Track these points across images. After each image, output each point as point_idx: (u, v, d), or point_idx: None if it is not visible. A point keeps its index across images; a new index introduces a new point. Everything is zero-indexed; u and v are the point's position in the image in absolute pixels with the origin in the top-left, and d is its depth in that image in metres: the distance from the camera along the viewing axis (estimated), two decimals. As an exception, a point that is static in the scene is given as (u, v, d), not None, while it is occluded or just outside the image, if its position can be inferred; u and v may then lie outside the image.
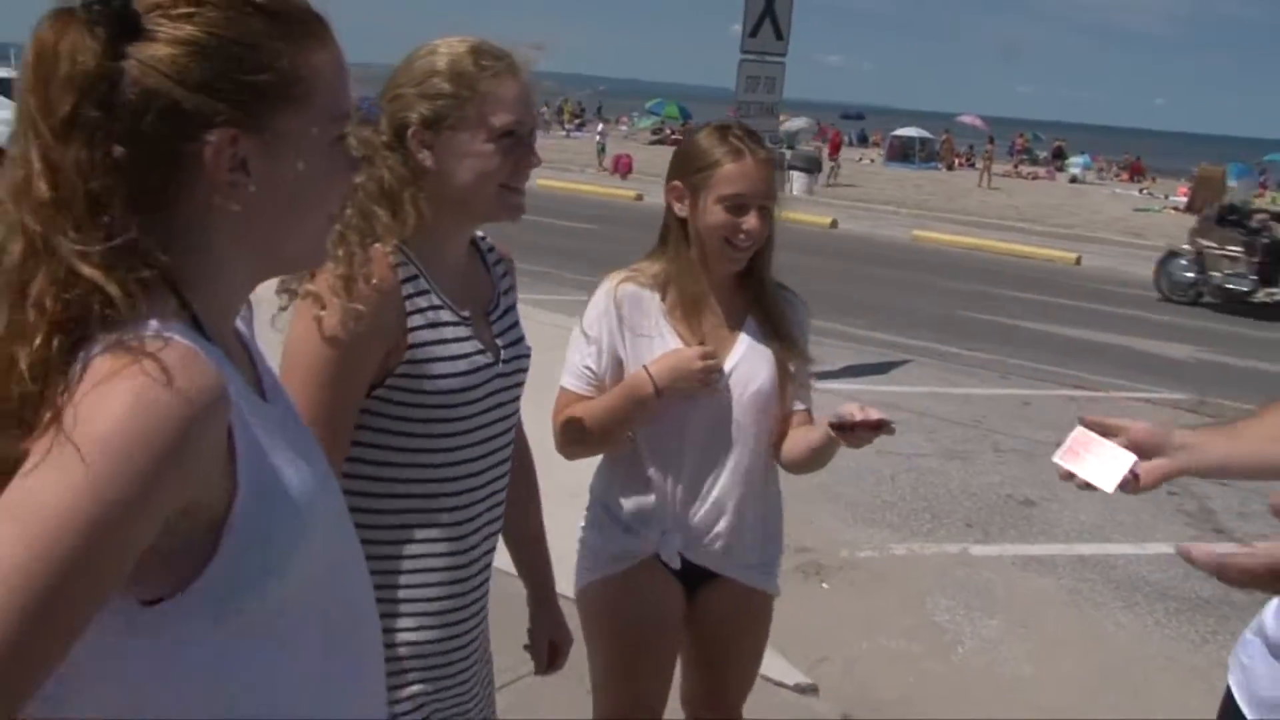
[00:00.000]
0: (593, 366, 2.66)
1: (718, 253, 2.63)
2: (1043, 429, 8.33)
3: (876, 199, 30.03)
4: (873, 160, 47.80)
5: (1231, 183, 38.36)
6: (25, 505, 1.04)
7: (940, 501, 6.84)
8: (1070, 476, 1.98)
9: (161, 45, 1.16)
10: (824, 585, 5.51)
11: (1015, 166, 49.13)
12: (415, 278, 1.99)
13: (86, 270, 1.12)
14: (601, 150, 31.23)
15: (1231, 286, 15.90)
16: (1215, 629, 5.27)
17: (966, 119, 58.41)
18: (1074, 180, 43.78)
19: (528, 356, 2.19)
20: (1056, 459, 2.00)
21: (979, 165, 40.67)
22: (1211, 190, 33.58)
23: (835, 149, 39.08)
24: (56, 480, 1.04)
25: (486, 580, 2.16)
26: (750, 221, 2.58)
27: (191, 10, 1.18)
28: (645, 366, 2.60)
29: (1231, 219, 16.51)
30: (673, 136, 47.89)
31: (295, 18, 1.26)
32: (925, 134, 49.91)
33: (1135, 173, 47.90)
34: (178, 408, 1.08)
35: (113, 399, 1.07)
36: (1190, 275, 16.33)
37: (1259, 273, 15.81)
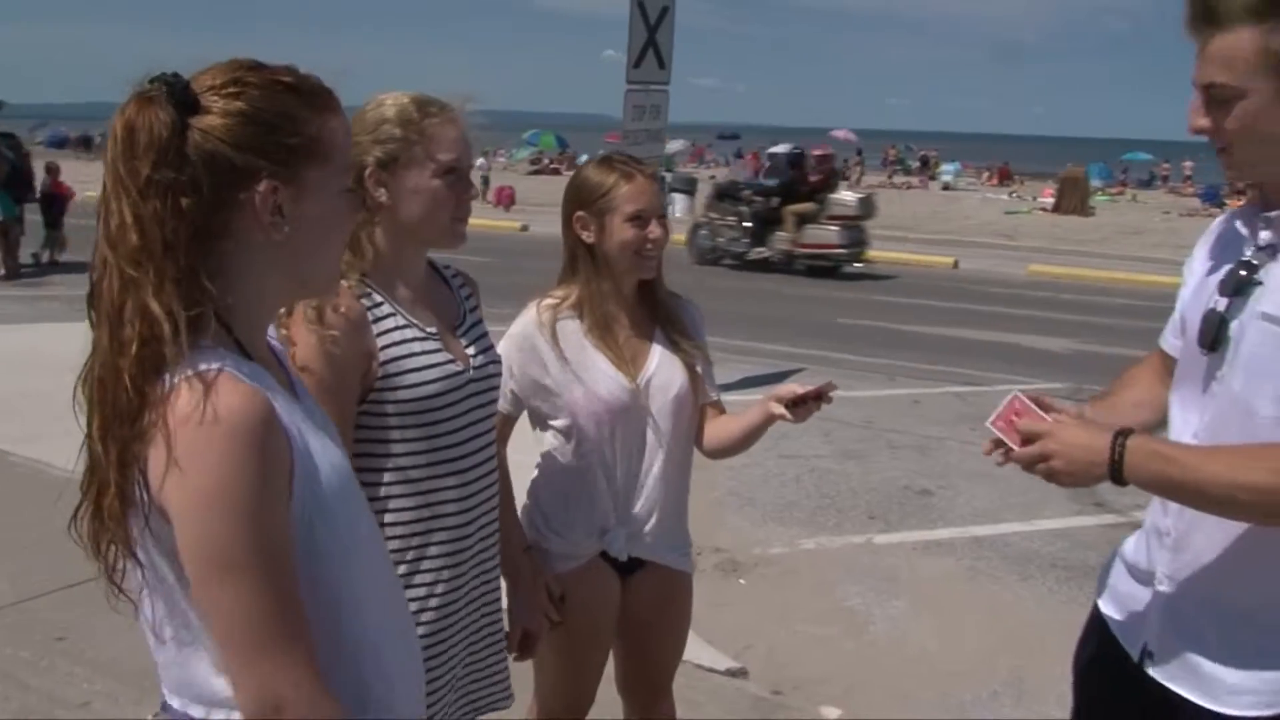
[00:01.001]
0: (515, 390, 2.92)
1: (630, 266, 2.91)
2: (933, 425, 8.81)
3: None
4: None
5: (1094, 181, 39.82)
6: (214, 541, 1.42)
7: (842, 497, 7.22)
8: (998, 446, 2.11)
9: (216, 117, 1.50)
10: (741, 581, 5.83)
11: (889, 177, 50.16)
12: (379, 304, 2.30)
13: (156, 306, 1.44)
14: (485, 184, 31.29)
15: (732, 249, 19.59)
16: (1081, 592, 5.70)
17: (839, 134, 59.57)
18: (946, 188, 44.89)
19: (499, 363, 2.50)
20: (989, 424, 2.12)
21: (848, 178, 41.47)
22: (1075, 190, 34.85)
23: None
24: (219, 515, 1.41)
25: (491, 576, 2.49)
26: (655, 230, 2.88)
27: (238, 90, 1.52)
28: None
29: (728, 195, 20.25)
30: (551, 166, 48.13)
31: (316, 92, 1.61)
32: (798, 149, 50.63)
33: (1004, 177, 49.16)
34: (244, 428, 1.42)
35: (208, 446, 1.41)
36: (708, 243, 19.81)
37: (750, 236, 19.41)
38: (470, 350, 2.43)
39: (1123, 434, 1.97)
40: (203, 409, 1.40)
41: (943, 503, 7.16)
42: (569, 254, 2.98)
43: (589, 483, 2.93)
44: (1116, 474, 1.96)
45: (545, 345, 2.90)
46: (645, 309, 3.00)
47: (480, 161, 32.59)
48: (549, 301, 2.96)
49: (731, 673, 4.72)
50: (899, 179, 50.06)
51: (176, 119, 1.47)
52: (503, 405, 2.80)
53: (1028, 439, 2.06)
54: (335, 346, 2.17)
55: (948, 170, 49.26)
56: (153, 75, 1.50)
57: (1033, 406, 2.11)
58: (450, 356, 2.35)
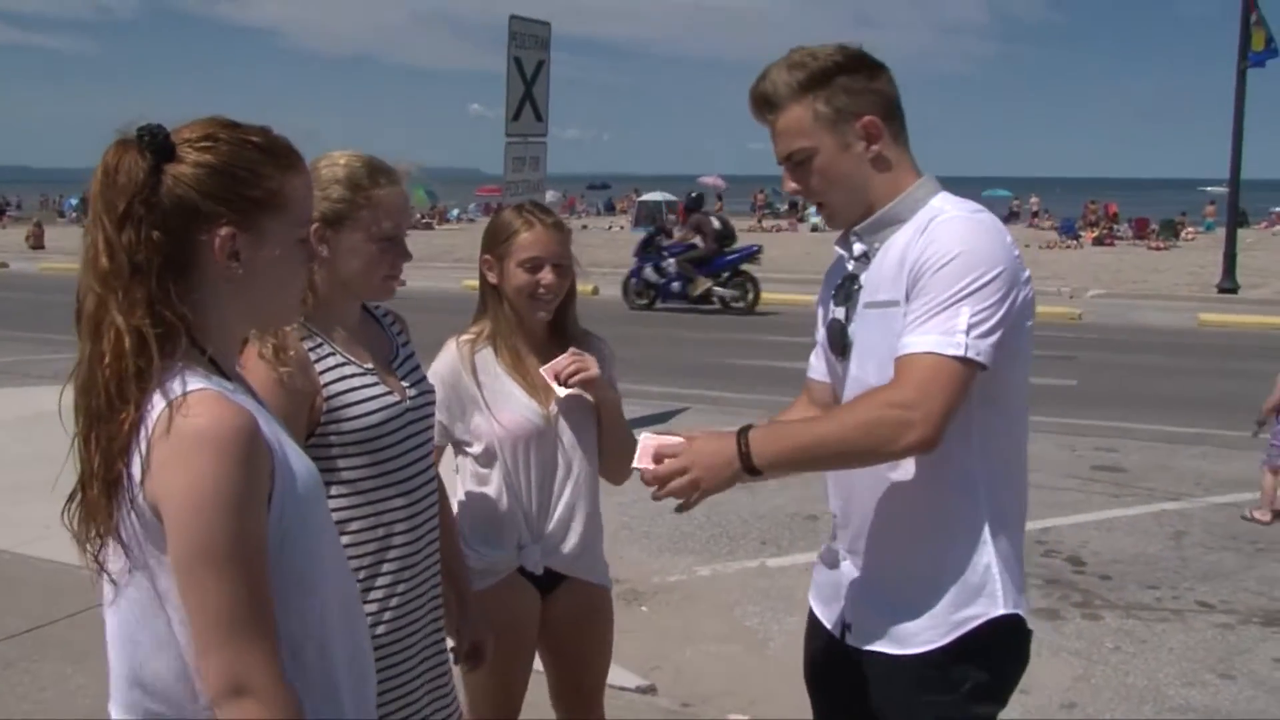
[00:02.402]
0: (443, 421, 3.11)
1: (526, 307, 3.14)
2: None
3: (629, 264, 30.85)
4: (622, 227, 48.86)
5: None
6: (199, 541, 1.61)
7: (734, 526, 7.51)
8: (652, 482, 2.30)
9: (188, 166, 1.73)
10: (644, 609, 6.07)
11: (759, 220, 51.04)
12: (319, 345, 2.52)
13: (121, 322, 1.66)
14: None
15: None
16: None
17: (708, 180, 60.32)
18: (815, 229, 45.72)
19: (431, 392, 2.73)
20: (635, 465, 2.33)
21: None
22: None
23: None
24: (210, 514, 1.61)
25: (435, 592, 2.69)
26: (547, 277, 3.11)
27: (210, 144, 1.75)
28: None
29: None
30: (423, 220, 48.05)
31: (281, 151, 1.83)
32: (671, 197, 51.28)
33: (868, 217, 50.10)
34: (230, 439, 1.63)
35: (195, 456, 1.62)
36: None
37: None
38: (405, 383, 2.64)
39: (744, 429, 2.27)
40: (200, 422, 1.61)
41: (829, 526, 7.41)
42: (481, 291, 3.23)
43: (506, 503, 3.13)
44: (749, 463, 2.23)
45: (466, 377, 3.12)
46: (555, 342, 3.21)
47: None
48: (466, 337, 3.19)
49: (641, 690, 4.95)
50: (768, 222, 50.95)
51: (152, 163, 1.69)
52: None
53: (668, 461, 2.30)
54: (291, 382, 2.38)
55: (814, 213, 49.78)
56: (140, 125, 1.72)
57: (665, 436, 2.34)
58: (387, 389, 2.56)
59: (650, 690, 4.97)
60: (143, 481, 1.64)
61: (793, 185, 2.48)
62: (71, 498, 1.72)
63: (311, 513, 1.79)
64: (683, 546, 7.08)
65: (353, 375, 2.52)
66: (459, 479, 3.22)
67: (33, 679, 4.90)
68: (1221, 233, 26.75)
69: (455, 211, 58.07)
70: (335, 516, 2.45)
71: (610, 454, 3.26)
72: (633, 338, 16.58)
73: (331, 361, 2.51)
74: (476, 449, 3.14)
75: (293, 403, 2.39)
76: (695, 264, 20.68)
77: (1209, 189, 63.65)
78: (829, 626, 2.62)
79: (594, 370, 3.10)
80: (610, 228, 48.85)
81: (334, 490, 2.46)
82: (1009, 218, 52.35)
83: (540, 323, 3.19)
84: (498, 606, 3.12)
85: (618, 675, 4.93)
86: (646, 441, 2.35)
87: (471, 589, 2.99)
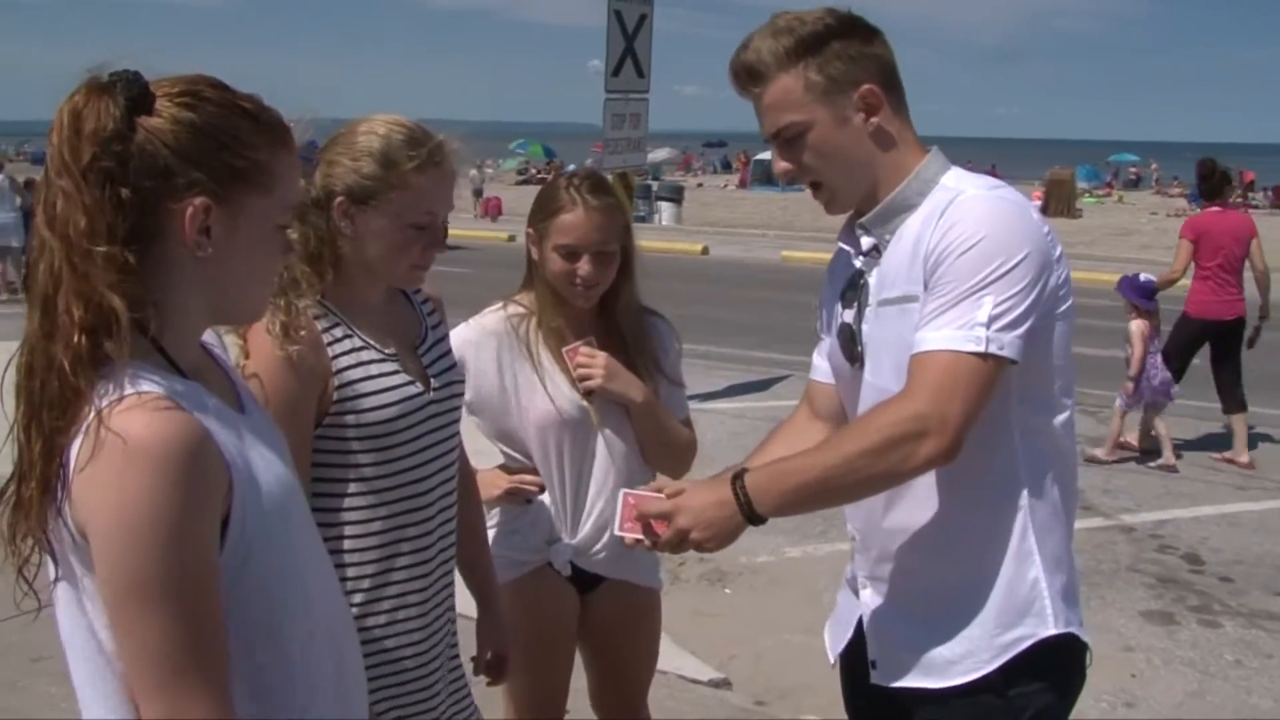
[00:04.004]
0: (470, 399, 2.86)
1: (565, 292, 2.86)
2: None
3: (744, 223, 30.64)
4: (728, 185, 48.59)
5: (1081, 183, 39.92)
6: (128, 575, 1.37)
7: (829, 504, 7.17)
8: (637, 543, 2.15)
9: (165, 121, 1.48)
10: (727, 591, 5.81)
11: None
12: (336, 325, 2.25)
13: (111, 297, 1.41)
14: (477, 196, 30.77)
15: None
16: (1088, 595, 5.68)
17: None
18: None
19: (461, 383, 2.46)
20: (617, 531, 2.17)
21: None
22: (1063, 192, 34.88)
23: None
24: (136, 544, 1.36)
25: (449, 598, 2.41)
26: (584, 268, 2.81)
27: (194, 101, 1.50)
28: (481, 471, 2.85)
29: None
30: (538, 176, 48.17)
31: (272, 123, 1.58)
32: (787, 157, 50.67)
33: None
34: (168, 454, 1.37)
35: (125, 473, 1.36)
36: None
37: None
38: (431, 370, 2.38)
39: (738, 475, 2.03)
40: (127, 434, 1.36)
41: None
42: (527, 262, 2.97)
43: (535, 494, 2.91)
44: (751, 514, 2.00)
45: (503, 352, 2.88)
46: (603, 325, 2.95)
47: (473, 174, 32.21)
48: (514, 310, 2.94)
49: (715, 683, 4.69)
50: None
51: (125, 113, 1.45)
52: None
53: (659, 524, 2.10)
54: (301, 362, 2.13)
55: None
56: (113, 69, 1.48)
57: (646, 494, 2.15)
58: (409, 378, 2.29)
59: (724, 684, 4.70)
60: (66, 497, 1.40)
61: (784, 165, 2.22)
62: (4, 490, 1.47)
63: (280, 529, 1.54)
64: (773, 525, 6.61)
65: (371, 361, 2.25)
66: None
67: None
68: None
69: (571, 166, 57.63)
70: (347, 514, 2.22)
71: (652, 456, 2.98)
72: (738, 299, 16.35)
73: (348, 345, 2.25)
74: (506, 429, 2.92)
75: (301, 385, 2.14)
76: None
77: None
78: (852, 664, 2.37)
79: (596, 378, 2.83)
80: (725, 186, 48.50)
81: (341, 490, 2.22)
82: (1135, 183, 50.71)
83: (581, 308, 2.92)
84: (535, 608, 2.92)
85: (690, 665, 4.72)
86: (627, 501, 2.12)
87: (497, 594, 2.72)
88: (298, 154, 1.63)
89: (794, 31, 2.13)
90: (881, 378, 2.15)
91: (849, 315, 2.26)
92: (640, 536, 2.12)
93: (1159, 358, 8.26)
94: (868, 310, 2.21)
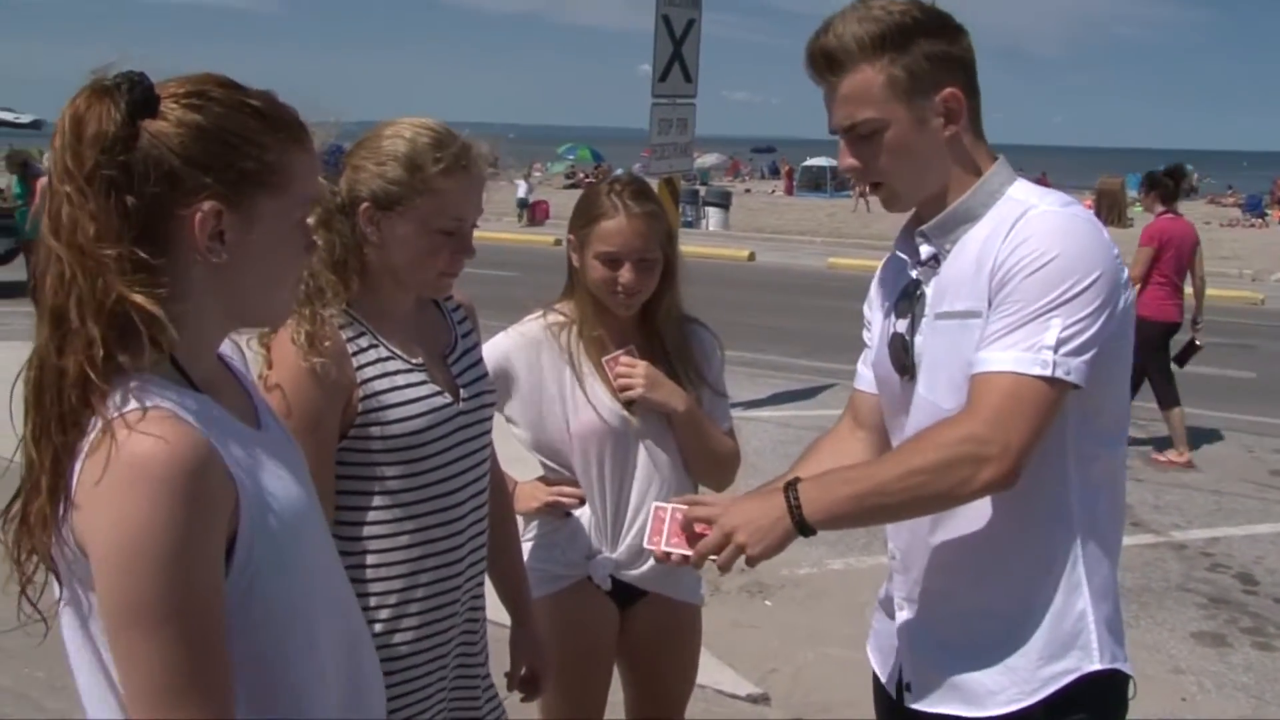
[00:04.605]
0: (510, 410, 2.83)
1: (607, 300, 2.80)
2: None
3: (791, 230, 30.51)
4: (775, 191, 48.42)
5: (1131, 192, 39.41)
6: (127, 597, 1.32)
7: (873, 516, 7.07)
8: (666, 557, 2.12)
9: (170, 125, 1.42)
10: (767, 603, 5.73)
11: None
12: (361, 334, 2.20)
13: (101, 304, 1.37)
14: (523, 205, 30.30)
15: None
16: (1138, 614, 5.58)
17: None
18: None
19: (492, 393, 2.40)
20: (647, 546, 2.14)
21: (854, 192, 40.52)
22: (1113, 201, 34.48)
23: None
24: (135, 566, 1.32)
25: (478, 617, 2.36)
26: (625, 276, 2.74)
27: (200, 103, 1.44)
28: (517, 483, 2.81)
29: None
30: (586, 180, 48.21)
31: (283, 121, 1.52)
32: (835, 163, 50.34)
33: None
34: (171, 473, 1.32)
35: (126, 492, 1.32)
36: None
37: None
38: (460, 380, 2.32)
39: (792, 483, 1.99)
40: (132, 450, 1.32)
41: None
42: (568, 269, 2.91)
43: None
44: (801, 523, 1.95)
45: (544, 359, 2.83)
46: (645, 333, 2.89)
47: (520, 184, 31.94)
48: (554, 318, 2.88)
49: (753, 698, 4.61)
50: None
51: (127, 117, 1.40)
52: None
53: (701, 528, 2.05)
54: (325, 374, 2.08)
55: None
56: (117, 71, 1.43)
57: (679, 505, 2.11)
58: (437, 389, 2.24)
59: (762, 699, 4.62)
60: (69, 515, 1.36)
61: (851, 161, 2.11)
62: (10, 505, 1.43)
63: (291, 551, 1.49)
64: (817, 537, 6.63)
65: (397, 372, 2.20)
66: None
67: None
68: None
69: (619, 170, 57.67)
70: (371, 528, 2.17)
71: (695, 467, 2.91)
72: (784, 306, 16.24)
73: (373, 355, 2.19)
74: (544, 440, 2.86)
75: (324, 397, 2.10)
76: None
77: None
78: (887, 686, 2.29)
79: (638, 387, 2.77)
80: (773, 191, 48.36)
81: (366, 503, 2.17)
82: (1187, 193, 50.00)
83: (623, 316, 2.85)
84: (574, 624, 2.85)
85: (728, 679, 4.64)
86: (661, 513, 2.07)
87: (532, 607, 2.66)
88: (315, 150, 1.57)
89: (880, 21, 2.01)
90: (936, 393, 2.08)
91: (902, 325, 2.17)
92: (669, 550, 2.07)
93: None
94: (923, 322, 2.12)
